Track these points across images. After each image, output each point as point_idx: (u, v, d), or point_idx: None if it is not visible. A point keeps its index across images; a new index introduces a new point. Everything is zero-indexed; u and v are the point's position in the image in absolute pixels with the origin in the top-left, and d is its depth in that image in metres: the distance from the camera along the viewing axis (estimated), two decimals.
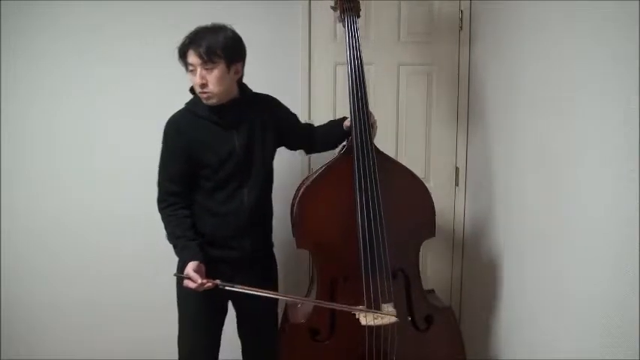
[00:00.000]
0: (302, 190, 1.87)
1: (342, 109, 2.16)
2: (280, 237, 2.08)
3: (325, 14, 2.34)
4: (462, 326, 2.62)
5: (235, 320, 2.01)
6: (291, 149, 2.10)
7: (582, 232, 1.56)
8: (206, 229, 1.84)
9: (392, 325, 1.83)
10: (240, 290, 1.68)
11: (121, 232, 2.45)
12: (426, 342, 1.95)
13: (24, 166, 2.39)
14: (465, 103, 2.52)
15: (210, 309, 1.89)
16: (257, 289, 1.72)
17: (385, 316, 1.81)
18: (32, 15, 2.30)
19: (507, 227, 2.11)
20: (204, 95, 1.76)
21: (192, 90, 1.83)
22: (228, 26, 1.78)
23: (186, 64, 1.75)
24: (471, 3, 2.47)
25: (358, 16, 1.91)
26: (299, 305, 1.96)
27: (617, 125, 1.39)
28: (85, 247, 2.45)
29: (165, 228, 1.82)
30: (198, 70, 1.72)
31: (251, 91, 1.92)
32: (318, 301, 1.86)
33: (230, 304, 1.99)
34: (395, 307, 1.84)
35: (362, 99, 1.85)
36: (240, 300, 1.92)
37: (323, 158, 2.08)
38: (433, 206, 1.94)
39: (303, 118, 2.25)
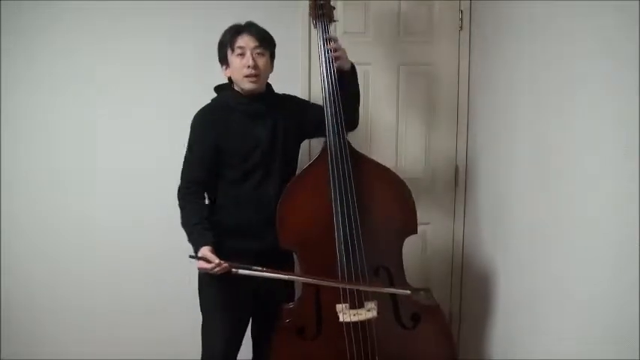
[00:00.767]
0: (285, 190, 1.89)
1: None
2: None
3: None
4: (461, 326, 2.63)
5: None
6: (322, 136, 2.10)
7: (582, 232, 1.55)
8: (230, 219, 1.89)
9: (373, 321, 1.85)
10: (257, 274, 1.73)
11: (121, 232, 2.45)
12: (413, 340, 1.95)
13: (23, 166, 2.39)
14: (465, 103, 2.52)
15: (234, 306, 1.92)
16: (274, 271, 1.77)
17: (363, 312, 1.84)
18: (32, 15, 2.30)
19: (507, 227, 2.11)
20: (252, 77, 1.85)
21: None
22: None
23: (232, 47, 1.85)
24: (470, 3, 2.47)
25: (332, 21, 1.94)
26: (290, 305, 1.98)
27: (617, 125, 1.39)
28: (85, 248, 2.45)
29: (182, 214, 1.87)
30: (248, 52, 1.84)
31: (273, 90, 2.02)
32: (328, 279, 1.86)
33: None
34: (377, 305, 1.86)
35: (335, 102, 1.85)
36: (259, 295, 1.95)
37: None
38: (413, 203, 1.94)
39: None
